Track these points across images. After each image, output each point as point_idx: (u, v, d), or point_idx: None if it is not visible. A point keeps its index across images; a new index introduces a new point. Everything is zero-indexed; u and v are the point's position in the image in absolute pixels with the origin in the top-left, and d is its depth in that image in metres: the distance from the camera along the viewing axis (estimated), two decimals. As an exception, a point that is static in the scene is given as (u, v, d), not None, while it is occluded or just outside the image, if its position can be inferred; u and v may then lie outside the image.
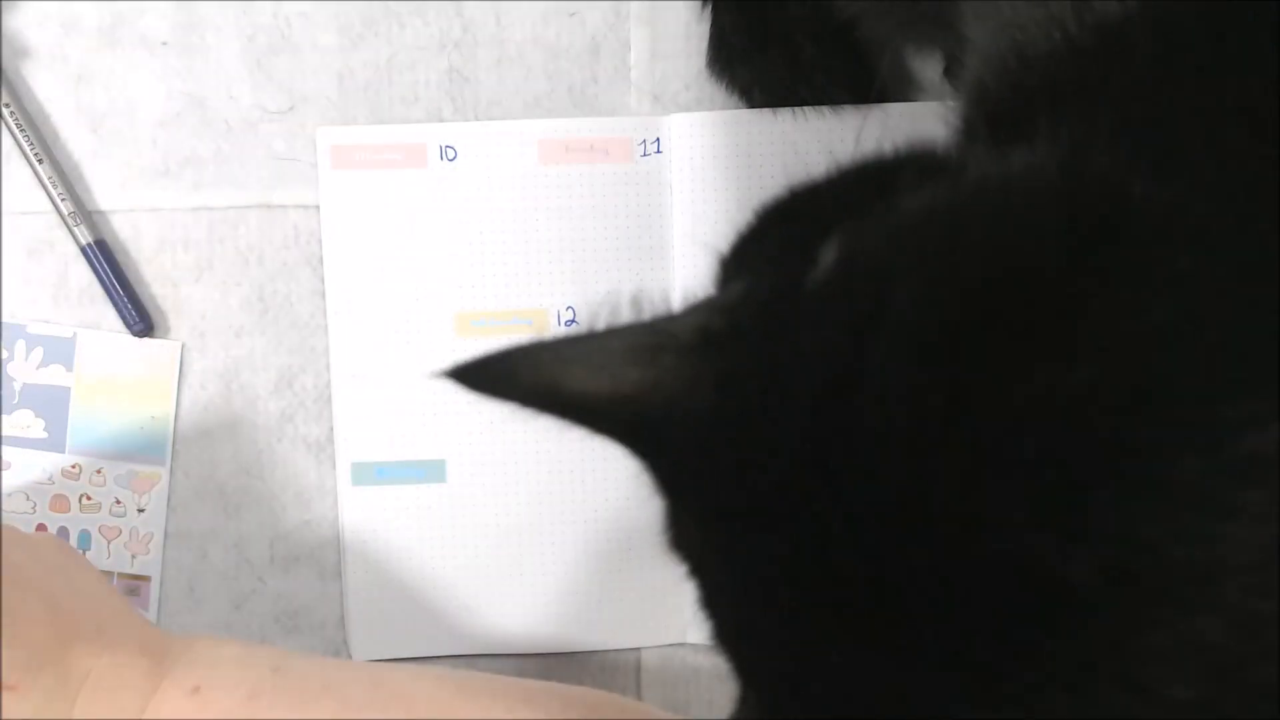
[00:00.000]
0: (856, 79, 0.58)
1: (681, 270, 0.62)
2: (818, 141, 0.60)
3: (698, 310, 0.29)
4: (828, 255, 0.27)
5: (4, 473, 0.61)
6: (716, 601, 0.30)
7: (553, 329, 0.62)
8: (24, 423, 0.61)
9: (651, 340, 0.28)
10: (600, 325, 0.29)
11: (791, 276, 0.27)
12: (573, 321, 0.62)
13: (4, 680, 0.43)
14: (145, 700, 0.45)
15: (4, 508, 0.61)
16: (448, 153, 0.61)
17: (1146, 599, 0.24)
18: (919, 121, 0.59)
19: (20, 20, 0.60)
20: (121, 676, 0.45)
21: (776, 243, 0.30)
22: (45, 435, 0.61)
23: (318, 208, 0.61)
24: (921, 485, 0.25)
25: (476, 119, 0.61)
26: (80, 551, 0.60)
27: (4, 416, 0.61)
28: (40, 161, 0.60)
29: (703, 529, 0.29)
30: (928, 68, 0.60)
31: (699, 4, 0.61)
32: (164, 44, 0.61)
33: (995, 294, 0.26)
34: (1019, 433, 0.25)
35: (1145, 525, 0.24)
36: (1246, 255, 0.25)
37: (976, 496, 0.25)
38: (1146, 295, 0.25)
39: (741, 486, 0.27)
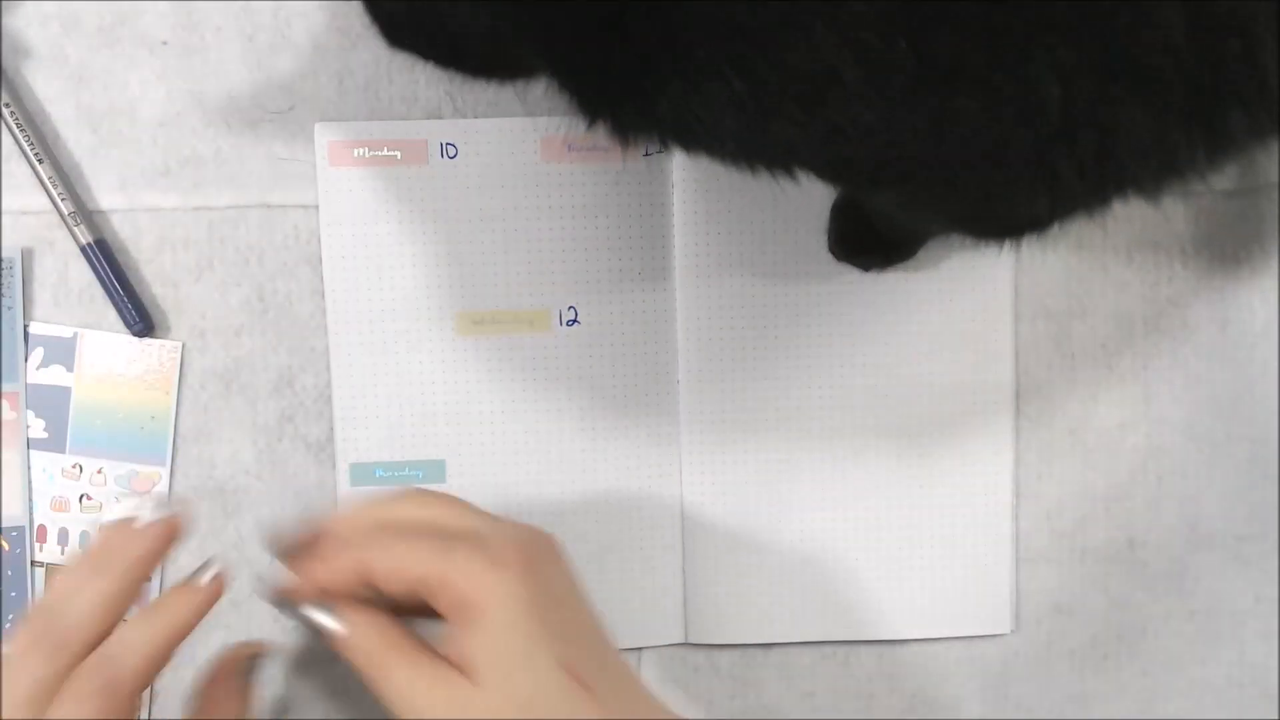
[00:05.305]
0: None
1: (682, 266, 0.61)
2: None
3: None
4: None
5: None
6: None
7: (555, 329, 0.62)
8: (24, 423, 0.61)
9: None
10: None
11: None
12: (574, 321, 0.62)
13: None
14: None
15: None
16: (448, 150, 0.61)
17: None
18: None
19: (20, 20, 0.60)
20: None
21: None
22: (45, 435, 0.61)
23: (317, 207, 0.61)
24: None
25: (476, 119, 0.61)
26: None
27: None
28: (40, 161, 0.60)
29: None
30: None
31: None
32: (164, 44, 0.61)
33: None
34: None
35: None
36: None
37: None
38: None
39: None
